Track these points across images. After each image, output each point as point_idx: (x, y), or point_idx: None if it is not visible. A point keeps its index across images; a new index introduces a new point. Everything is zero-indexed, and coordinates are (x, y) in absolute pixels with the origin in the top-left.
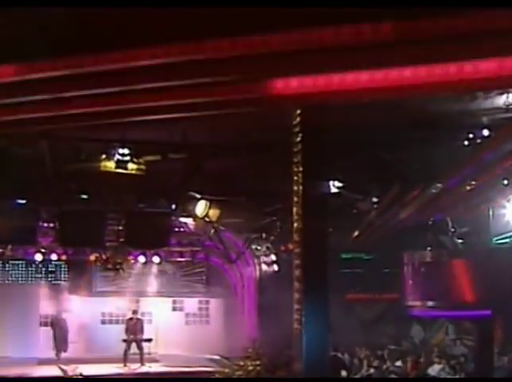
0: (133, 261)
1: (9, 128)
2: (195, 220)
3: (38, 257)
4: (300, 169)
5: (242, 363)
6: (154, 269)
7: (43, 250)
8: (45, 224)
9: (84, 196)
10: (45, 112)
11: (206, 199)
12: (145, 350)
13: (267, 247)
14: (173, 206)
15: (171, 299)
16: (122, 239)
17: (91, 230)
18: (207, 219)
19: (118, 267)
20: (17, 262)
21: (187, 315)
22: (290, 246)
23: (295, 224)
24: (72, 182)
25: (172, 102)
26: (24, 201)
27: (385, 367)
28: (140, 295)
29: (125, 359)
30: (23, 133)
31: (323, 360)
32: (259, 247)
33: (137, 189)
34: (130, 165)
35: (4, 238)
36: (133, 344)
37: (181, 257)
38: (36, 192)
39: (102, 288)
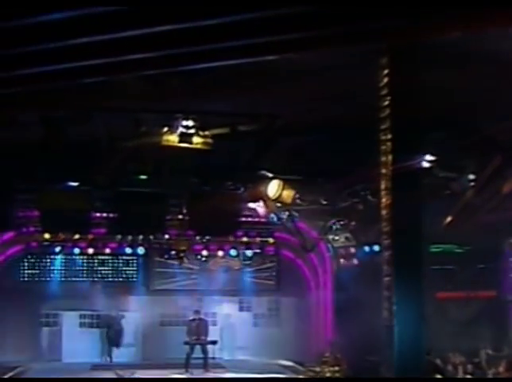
0: (194, 256)
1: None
2: (266, 204)
3: (90, 251)
4: (389, 136)
5: (318, 369)
6: (218, 264)
7: (95, 243)
8: (97, 214)
9: (143, 177)
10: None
11: (279, 178)
12: (210, 354)
13: (346, 238)
14: (242, 187)
15: (237, 298)
16: (185, 225)
17: (151, 214)
18: (278, 204)
19: (181, 254)
20: (66, 257)
21: (255, 316)
22: (372, 236)
23: (383, 200)
24: (130, 162)
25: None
26: (76, 184)
27: (483, 375)
28: (203, 294)
29: (187, 364)
30: (77, 104)
31: (417, 362)
32: (337, 238)
33: (203, 168)
34: (195, 139)
35: (54, 225)
36: (197, 348)
37: (248, 250)
38: (89, 173)
39: (161, 286)
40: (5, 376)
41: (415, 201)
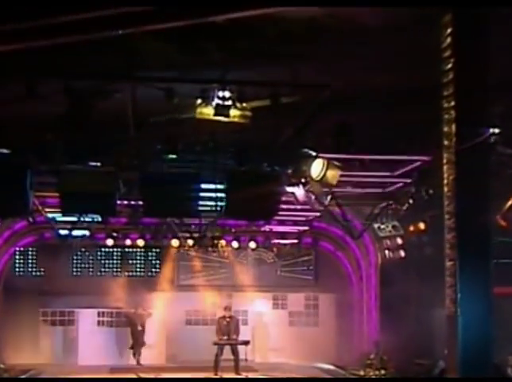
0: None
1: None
2: (308, 186)
3: (109, 242)
4: (452, 103)
5: (362, 373)
6: (250, 257)
7: (115, 234)
8: (118, 202)
9: (172, 157)
10: None
11: (323, 157)
12: (241, 356)
13: (393, 226)
14: (283, 167)
15: (271, 294)
16: (219, 208)
17: (182, 197)
18: (320, 187)
19: (215, 242)
20: (83, 249)
21: (291, 314)
22: (422, 225)
23: (445, 175)
24: (158, 139)
25: None
26: (98, 164)
27: None
28: (233, 290)
29: (216, 366)
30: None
31: (484, 358)
32: (383, 226)
33: (240, 146)
34: (233, 112)
35: (75, 210)
36: (226, 349)
37: (283, 241)
38: (114, 153)
39: (187, 281)
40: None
41: (482, 177)
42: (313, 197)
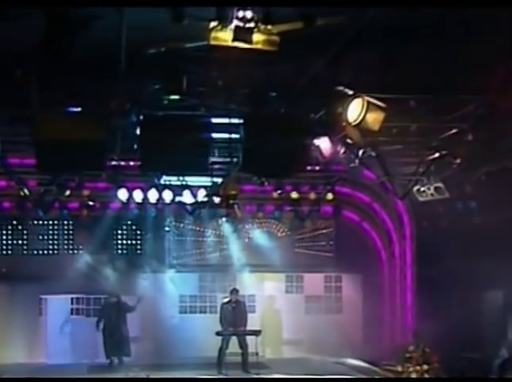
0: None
1: None
2: (337, 135)
3: (84, 212)
4: None
5: (400, 368)
6: (257, 230)
7: (91, 202)
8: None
9: (175, 98)
10: None
11: (362, 97)
12: (250, 349)
13: (436, 189)
14: (313, 109)
15: (283, 275)
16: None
17: (187, 148)
18: (354, 138)
19: (231, 201)
20: (52, 221)
21: (307, 299)
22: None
23: None
24: (157, 76)
25: None
26: (78, 109)
27: None
28: (237, 270)
29: (220, 363)
30: None
31: None
32: (423, 188)
33: (261, 82)
34: (256, 37)
35: (55, 164)
36: (232, 341)
37: (298, 210)
38: (100, 93)
39: (181, 260)
40: None
41: None
42: (342, 151)
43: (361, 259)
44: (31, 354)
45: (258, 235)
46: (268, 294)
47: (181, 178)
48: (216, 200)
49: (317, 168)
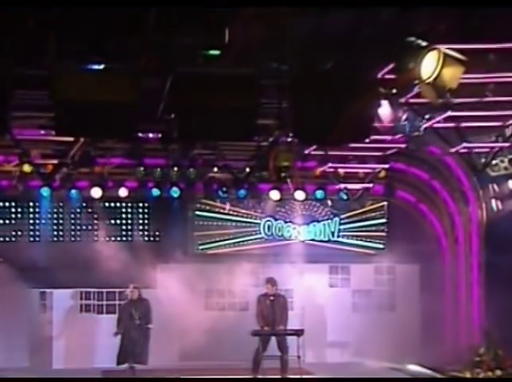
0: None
1: None
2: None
3: (95, 193)
4: None
5: (468, 375)
6: (296, 213)
7: (102, 181)
8: None
9: (215, 53)
10: None
11: (438, 50)
12: (291, 351)
13: (510, 161)
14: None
15: (326, 267)
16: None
17: (231, 113)
18: (430, 97)
19: (283, 173)
20: (57, 203)
21: (355, 294)
22: None
23: None
24: (195, 28)
25: None
26: (101, 67)
27: None
28: (272, 260)
29: (255, 367)
30: None
31: None
32: (495, 161)
33: (314, 33)
34: None
35: (74, 126)
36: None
37: (344, 190)
38: (126, 47)
39: (207, 247)
40: None
41: None
42: (404, 117)
43: (418, 247)
44: (32, 358)
45: (297, 219)
46: (308, 289)
47: (214, 150)
48: (262, 174)
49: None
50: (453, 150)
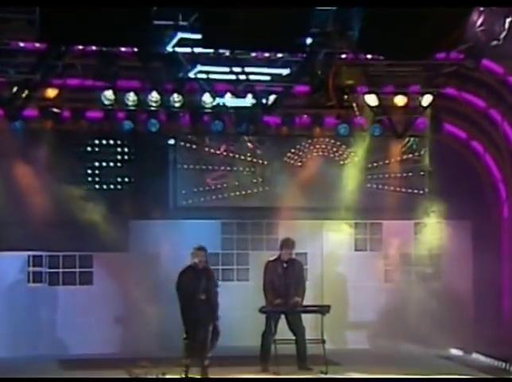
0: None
1: None
2: None
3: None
4: None
5: None
6: (310, 155)
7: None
8: None
9: None
10: None
11: None
12: (309, 335)
13: None
14: None
15: (351, 224)
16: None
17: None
18: None
19: (345, 96)
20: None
21: (389, 259)
22: None
23: None
24: None
25: None
26: None
27: None
28: (281, 216)
29: (265, 357)
30: None
31: None
32: None
33: None
34: None
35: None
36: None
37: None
38: None
39: (197, 200)
40: None
41: None
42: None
43: (470, 198)
44: None
45: (312, 164)
46: (328, 253)
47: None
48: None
49: None
50: None
